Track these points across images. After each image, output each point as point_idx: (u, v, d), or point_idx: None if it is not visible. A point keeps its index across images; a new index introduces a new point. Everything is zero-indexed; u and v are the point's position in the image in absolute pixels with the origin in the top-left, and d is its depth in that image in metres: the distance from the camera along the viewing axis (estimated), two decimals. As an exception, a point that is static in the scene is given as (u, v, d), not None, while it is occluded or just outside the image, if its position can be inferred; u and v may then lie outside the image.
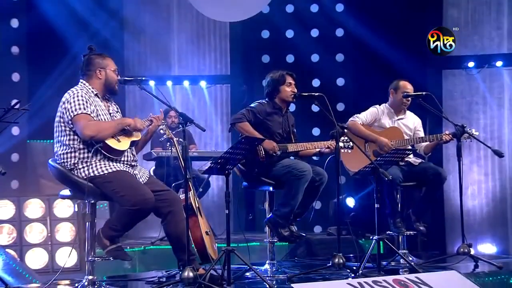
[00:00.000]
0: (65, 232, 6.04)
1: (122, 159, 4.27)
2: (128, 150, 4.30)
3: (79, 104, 4.15)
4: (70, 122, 4.17)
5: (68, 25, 7.50)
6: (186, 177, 4.23)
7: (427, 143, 5.73)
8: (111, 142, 4.18)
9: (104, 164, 4.18)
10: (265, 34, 8.71)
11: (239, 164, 4.80)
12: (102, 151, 4.17)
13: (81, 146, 4.19)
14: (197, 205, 4.71)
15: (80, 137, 4.16)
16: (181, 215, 4.27)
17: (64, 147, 4.20)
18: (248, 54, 8.82)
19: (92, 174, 4.12)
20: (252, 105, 5.15)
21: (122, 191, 4.11)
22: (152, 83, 6.85)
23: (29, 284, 5.07)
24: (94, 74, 4.33)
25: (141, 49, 8.52)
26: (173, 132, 5.24)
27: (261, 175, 4.97)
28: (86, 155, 4.18)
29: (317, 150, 5.12)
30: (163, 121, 4.66)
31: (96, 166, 4.16)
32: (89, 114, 4.17)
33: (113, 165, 4.19)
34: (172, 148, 6.19)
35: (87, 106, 4.17)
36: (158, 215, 4.31)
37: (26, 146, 7.37)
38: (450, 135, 5.49)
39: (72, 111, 4.15)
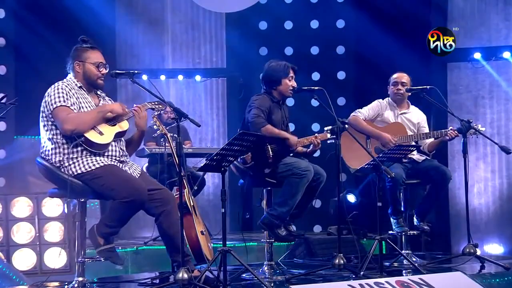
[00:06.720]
0: (54, 232, 5.91)
1: (109, 153, 4.20)
2: (116, 144, 4.23)
3: (58, 97, 4.10)
4: (50, 116, 4.13)
5: (58, 15, 7.41)
6: (180, 175, 4.14)
7: (431, 140, 5.67)
8: (92, 136, 4.10)
9: (91, 159, 4.12)
10: (263, 25, 8.65)
11: (235, 162, 4.69)
12: (84, 145, 4.10)
13: (64, 141, 4.15)
14: (192, 204, 4.69)
15: (61, 132, 4.11)
16: (175, 214, 4.22)
17: (49, 143, 4.17)
18: (245, 46, 8.71)
19: (79, 171, 4.07)
20: (256, 102, 4.94)
21: (112, 184, 4.05)
22: (145, 77, 6.72)
23: (16, 286, 4.95)
24: (73, 66, 4.30)
25: (133, 41, 8.47)
26: (167, 128, 5.19)
27: (267, 175, 4.84)
28: (70, 150, 4.13)
29: (304, 150, 5.02)
30: (155, 112, 4.60)
31: (83, 162, 4.10)
32: (68, 107, 4.10)
33: (100, 160, 4.14)
34: (166, 144, 6.12)
35: (66, 99, 4.13)
36: (152, 214, 4.26)
37: (13, 142, 7.28)
38: (455, 131, 5.43)
39: (51, 104, 4.11)
